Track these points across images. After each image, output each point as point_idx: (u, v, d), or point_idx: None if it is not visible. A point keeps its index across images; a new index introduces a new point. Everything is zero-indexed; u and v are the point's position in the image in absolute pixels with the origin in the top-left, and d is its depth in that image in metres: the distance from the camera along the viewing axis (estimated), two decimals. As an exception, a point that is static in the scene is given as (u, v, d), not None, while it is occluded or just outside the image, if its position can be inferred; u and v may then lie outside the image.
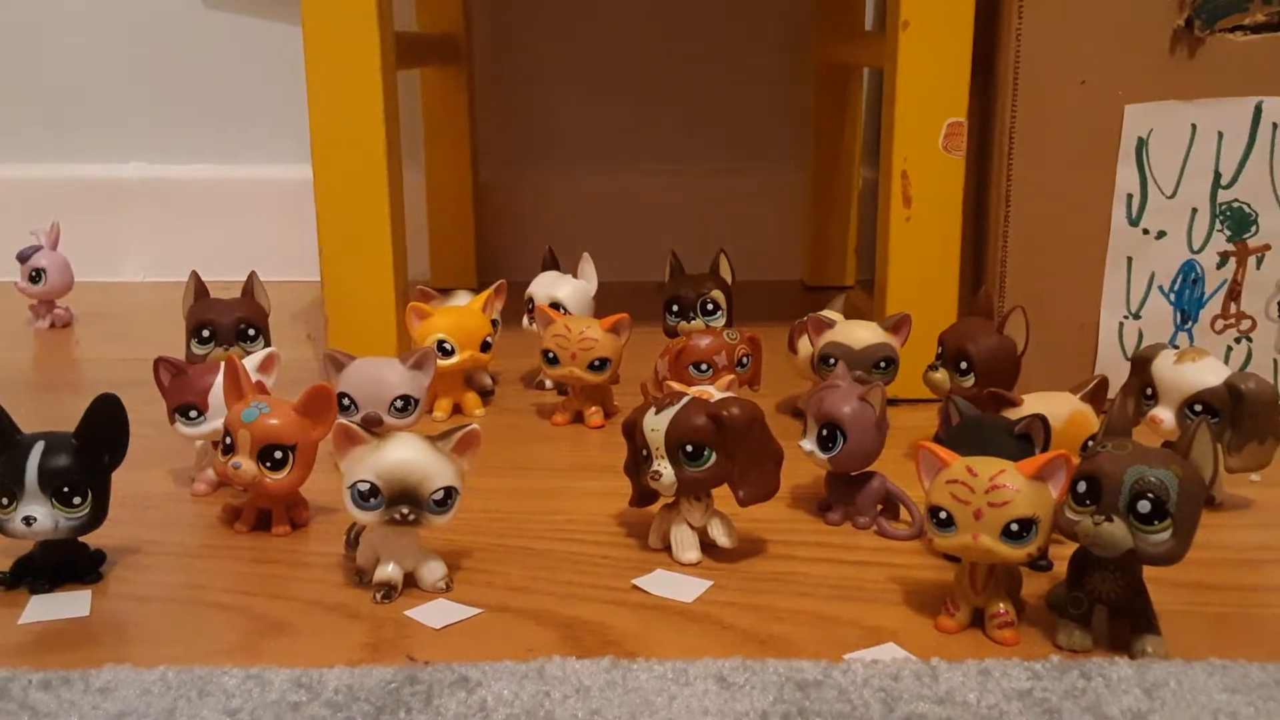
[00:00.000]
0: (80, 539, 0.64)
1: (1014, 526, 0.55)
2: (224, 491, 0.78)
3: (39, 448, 0.61)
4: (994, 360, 0.79)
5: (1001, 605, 0.58)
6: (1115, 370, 0.93)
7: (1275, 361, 0.92)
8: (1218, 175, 0.90)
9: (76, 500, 0.61)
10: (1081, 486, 0.55)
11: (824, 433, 0.70)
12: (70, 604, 0.62)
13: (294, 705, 0.51)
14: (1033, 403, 0.69)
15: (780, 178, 1.51)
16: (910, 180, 0.93)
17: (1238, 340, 0.93)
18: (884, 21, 0.99)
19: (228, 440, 0.69)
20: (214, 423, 0.74)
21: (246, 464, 0.67)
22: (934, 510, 0.57)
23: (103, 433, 0.63)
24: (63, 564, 0.64)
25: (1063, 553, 0.67)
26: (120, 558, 0.68)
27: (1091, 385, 0.71)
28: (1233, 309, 0.92)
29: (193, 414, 0.74)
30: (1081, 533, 0.54)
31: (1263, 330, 0.92)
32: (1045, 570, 0.66)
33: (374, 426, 0.77)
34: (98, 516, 0.63)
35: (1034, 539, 0.55)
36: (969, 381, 0.79)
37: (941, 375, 0.81)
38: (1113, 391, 0.74)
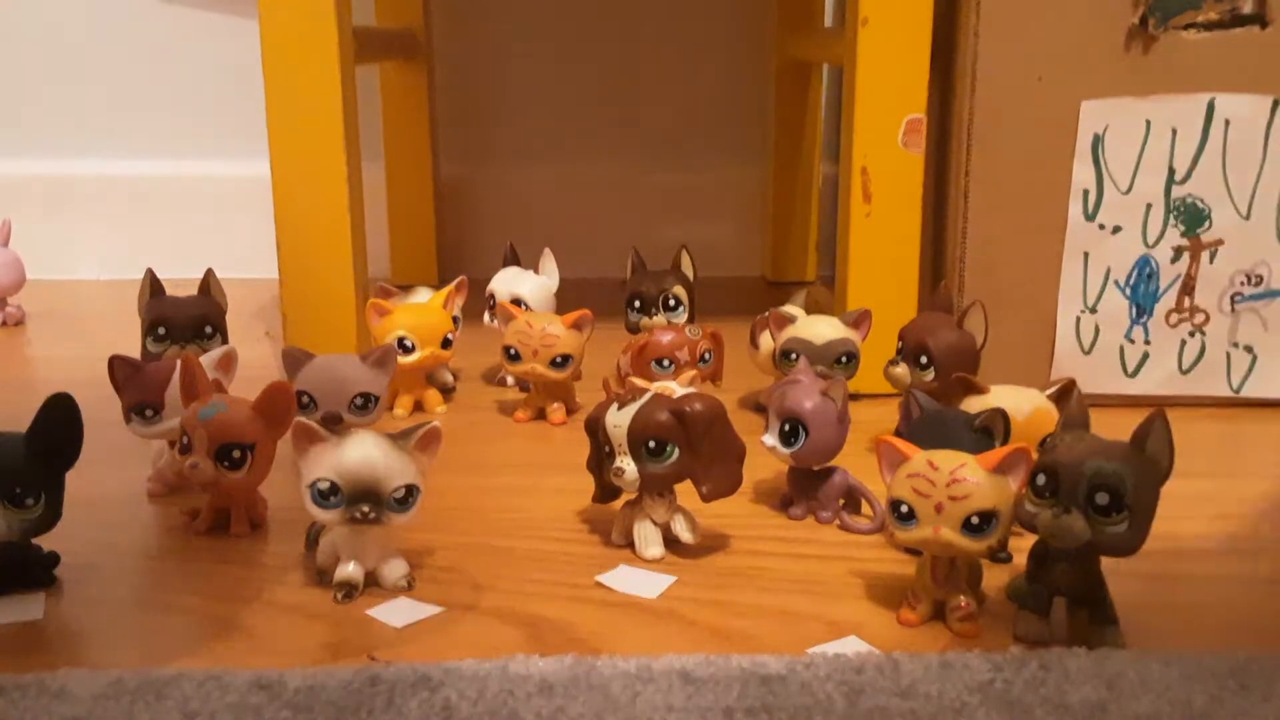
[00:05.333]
0: (33, 541, 0.63)
1: (974, 519, 0.55)
2: (180, 492, 0.77)
3: (-10, 448, 0.60)
4: (954, 355, 0.79)
5: (963, 598, 0.59)
6: (1073, 364, 0.94)
7: (1228, 355, 0.94)
8: (1171, 171, 0.91)
9: (29, 501, 0.60)
10: (1040, 479, 0.55)
11: (786, 428, 0.70)
12: (23, 607, 0.61)
13: (254, 707, 0.51)
14: (998, 395, 0.70)
15: (741, 174, 1.51)
16: (870, 176, 0.94)
17: (1191, 334, 0.94)
18: (843, 18, 1.00)
19: (185, 440, 0.68)
20: (170, 422, 0.73)
21: (204, 463, 0.67)
22: (895, 504, 0.57)
23: (56, 433, 0.61)
24: (15, 567, 0.63)
25: (1023, 545, 0.68)
26: (75, 560, 0.66)
27: (1059, 386, 0.71)
28: (1186, 303, 0.93)
29: (148, 413, 0.73)
30: (1041, 525, 0.55)
31: (1216, 324, 0.93)
32: (1005, 562, 0.66)
33: (334, 424, 0.76)
34: (51, 518, 0.62)
35: (994, 532, 0.56)
36: (929, 376, 0.80)
37: (902, 370, 0.82)
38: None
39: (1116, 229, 0.92)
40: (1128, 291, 0.93)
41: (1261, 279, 0.92)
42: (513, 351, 0.90)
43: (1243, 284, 0.92)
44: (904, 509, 0.57)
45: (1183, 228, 0.92)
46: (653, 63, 1.49)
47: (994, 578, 0.64)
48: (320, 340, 0.89)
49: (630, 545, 0.68)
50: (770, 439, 0.71)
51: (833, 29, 1.37)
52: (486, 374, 1.06)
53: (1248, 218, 0.91)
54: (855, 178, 0.94)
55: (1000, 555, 0.66)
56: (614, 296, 1.00)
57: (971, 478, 0.55)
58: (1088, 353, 0.94)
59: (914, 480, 0.56)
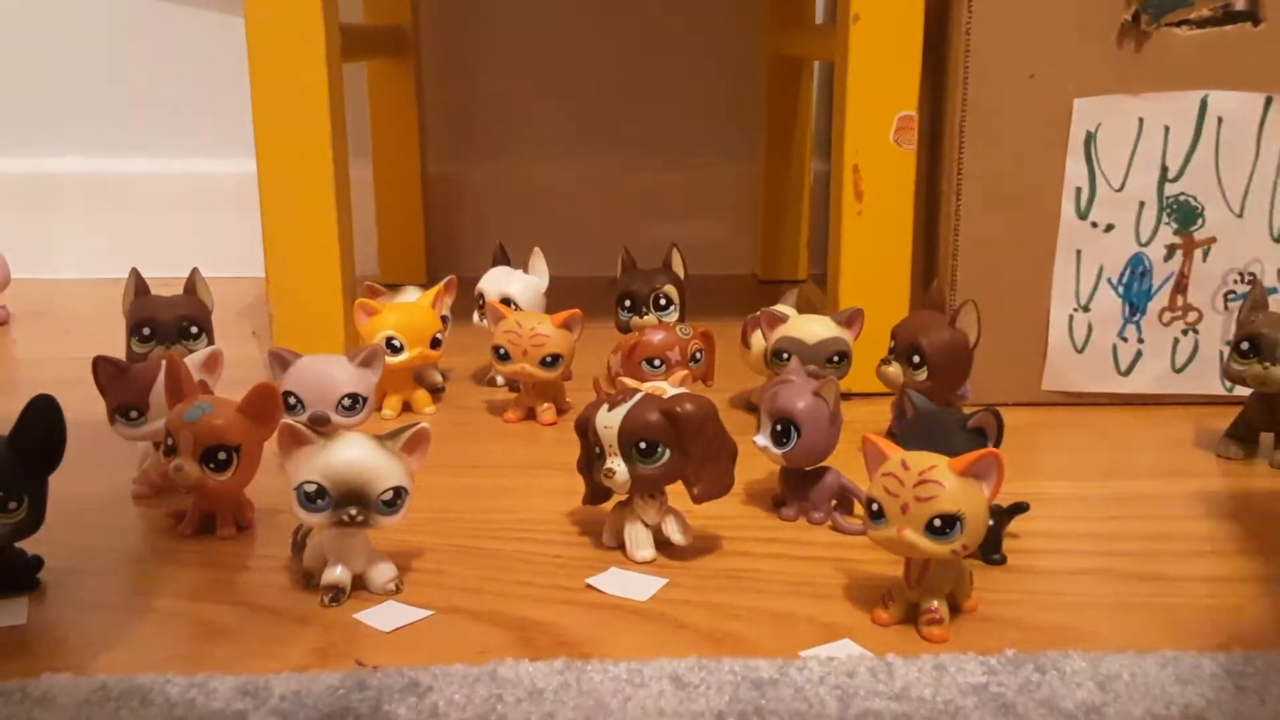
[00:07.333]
0: (16, 544, 0.62)
1: (937, 522, 0.55)
2: (165, 494, 0.76)
3: (-28, 451, 0.59)
4: (947, 354, 0.79)
5: (935, 602, 0.58)
6: (1066, 363, 0.93)
7: (1221, 353, 0.93)
8: (1164, 169, 0.91)
9: (12, 505, 0.59)
10: (1245, 345, 0.79)
11: (778, 428, 0.69)
12: (6, 612, 0.60)
13: (239, 713, 0.50)
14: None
15: (732, 171, 1.50)
16: (862, 174, 0.93)
17: (1184, 332, 0.93)
18: (835, 15, 0.99)
19: (169, 441, 0.67)
20: (155, 423, 0.72)
21: (189, 466, 0.66)
22: (868, 502, 0.57)
23: (39, 435, 0.60)
24: (-3, 571, 0.62)
25: (1017, 546, 0.68)
26: (58, 563, 0.66)
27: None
28: (1180, 301, 0.93)
29: (133, 414, 0.72)
30: (1251, 376, 0.79)
31: (1209, 322, 0.93)
32: (999, 564, 0.66)
33: (321, 426, 0.75)
34: (34, 521, 0.61)
35: (958, 536, 0.55)
36: (922, 375, 0.79)
37: (895, 369, 0.81)
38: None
39: (1109, 227, 0.92)
40: (1120, 290, 0.93)
41: (1254, 277, 0.92)
42: (502, 351, 0.89)
43: (1236, 282, 0.92)
44: (875, 507, 0.56)
45: (1175, 225, 0.92)
46: (642, 59, 1.49)
47: (990, 579, 0.63)
48: (307, 340, 0.88)
49: (621, 547, 0.68)
50: (762, 439, 0.70)
51: (824, 25, 1.36)
52: (476, 374, 1.05)
53: (1240, 215, 0.91)
54: (847, 175, 0.93)
55: (994, 558, 0.66)
56: (604, 295, 1.00)
57: (939, 480, 0.55)
58: (1080, 351, 0.93)
59: (886, 479, 0.56)
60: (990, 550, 0.66)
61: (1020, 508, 0.68)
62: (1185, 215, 0.91)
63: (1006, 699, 0.51)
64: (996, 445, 0.62)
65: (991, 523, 0.60)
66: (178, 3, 1.45)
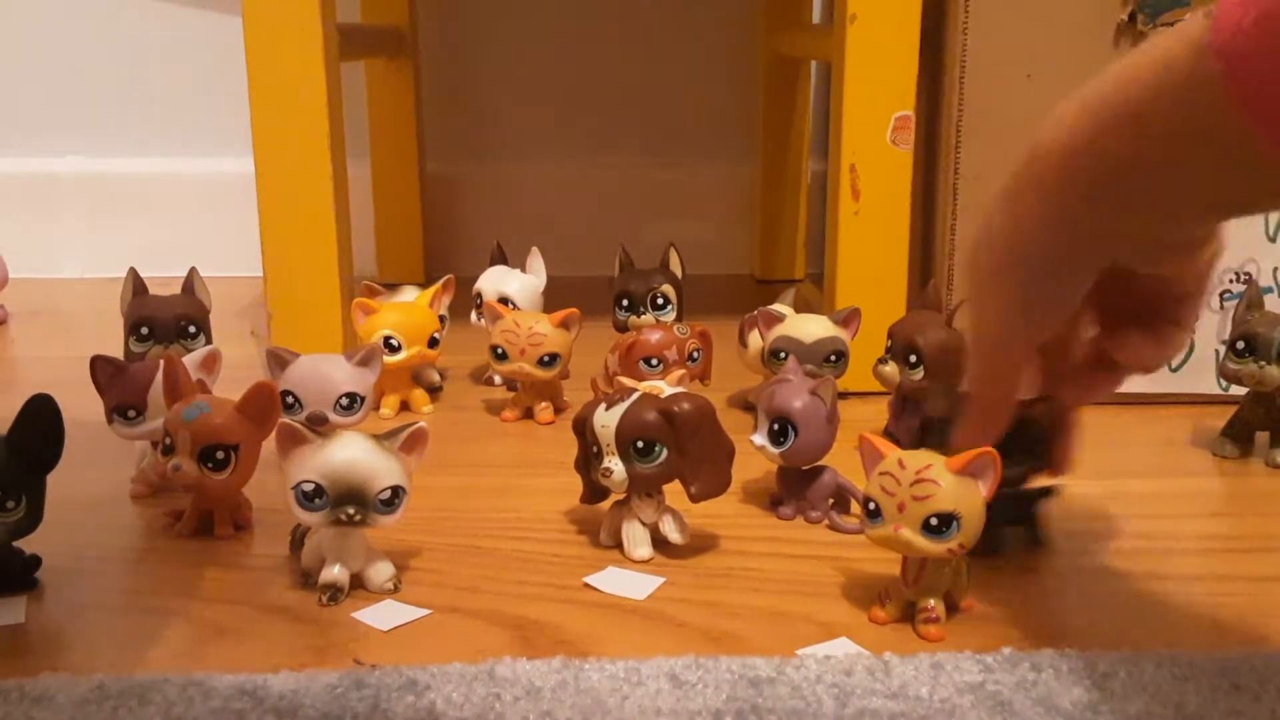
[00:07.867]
0: (14, 543, 0.62)
1: (933, 521, 0.55)
2: (163, 493, 0.76)
3: (-30, 450, 0.59)
4: (943, 353, 0.79)
5: (931, 601, 0.58)
6: (1062, 362, 0.93)
7: (1216, 353, 0.93)
8: (1161, 168, 0.91)
9: (10, 504, 0.59)
10: (1240, 344, 0.79)
11: (775, 427, 0.70)
12: (5, 611, 0.60)
13: (238, 712, 0.50)
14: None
15: (729, 171, 1.51)
16: (859, 174, 0.93)
17: (1181, 332, 0.93)
18: (831, 15, 0.99)
19: (167, 441, 0.67)
20: (153, 423, 0.72)
21: (187, 465, 0.66)
22: (865, 501, 0.57)
23: (37, 434, 0.60)
24: (-4, 570, 0.62)
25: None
26: (57, 562, 0.66)
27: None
28: (1176, 301, 0.93)
29: (131, 414, 0.73)
30: (1247, 375, 0.79)
31: (1205, 322, 0.93)
32: (1041, 544, 0.66)
33: (319, 425, 0.75)
34: (33, 520, 0.61)
35: (955, 534, 0.55)
36: (919, 374, 0.79)
37: (891, 369, 0.81)
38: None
39: (1105, 226, 0.92)
40: (1117, 289, 0.93)
41: (1250, 276, 0.92)
42: (500, 350, 0.89)
43: (1231, 282, 0.92)
44: (871, 506, 0.57)
45: (1172, 225, 0.92)
46: (640, 60, 1.49)
47: (987, 576, 0.63)
48: (305, 339, 0.88)
49: (618, 546, 0.68)
50: (759, 438, 0.71)
51: (821, 25, 1.36)
52: (474, 373, 1.05)
53: (1236, 215, 0.91)
54: (844, 175, 0.94)
55: (1035, 536, 0.66)
56: (602, 295, 1.00)
57: (935, 478, 0.55)
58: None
59: (883, 478, 0.56)
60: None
61: (1047, 491, 0.67)
62: (1181, 215, 0.91)
63: (1003, 697, 0.51)
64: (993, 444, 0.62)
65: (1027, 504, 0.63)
66: (178, 3, 1.45)
